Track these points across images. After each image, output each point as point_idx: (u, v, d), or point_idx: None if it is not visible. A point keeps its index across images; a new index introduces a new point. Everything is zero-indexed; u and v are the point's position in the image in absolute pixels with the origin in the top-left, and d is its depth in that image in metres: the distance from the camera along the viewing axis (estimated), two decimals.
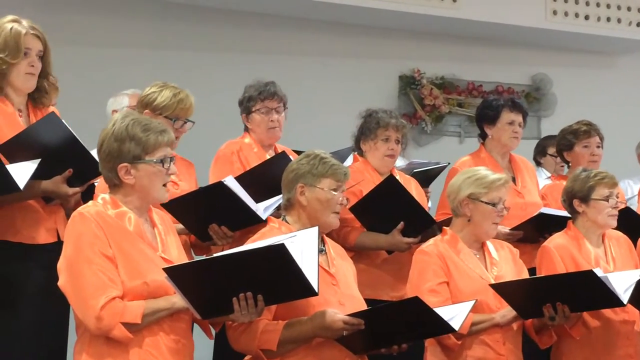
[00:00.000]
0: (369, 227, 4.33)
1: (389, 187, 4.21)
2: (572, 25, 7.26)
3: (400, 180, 4.47)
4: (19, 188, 3.24)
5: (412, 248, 4.22)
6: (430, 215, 4.38)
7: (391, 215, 4.25)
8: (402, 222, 4.24)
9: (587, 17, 7.30)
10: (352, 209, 4.22)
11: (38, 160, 3.33)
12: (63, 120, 3.46)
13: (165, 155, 3.00)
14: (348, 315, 3.20)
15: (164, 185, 3.03)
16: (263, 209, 3.87)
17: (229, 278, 2.90)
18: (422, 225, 4.27)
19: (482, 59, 7.39)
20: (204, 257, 3.44)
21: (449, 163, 5.12)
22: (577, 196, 4.07)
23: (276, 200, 3.90)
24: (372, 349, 3.36)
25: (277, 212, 3.74)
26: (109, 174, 3.00)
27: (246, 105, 4.37)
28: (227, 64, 6.41)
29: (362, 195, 4.29)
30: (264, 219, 3.83)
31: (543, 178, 5.61)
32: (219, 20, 6.52)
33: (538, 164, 6.02)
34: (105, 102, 5.12)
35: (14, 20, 3.54)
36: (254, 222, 3.85)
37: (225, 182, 3.73)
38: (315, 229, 3.21)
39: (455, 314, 3.38)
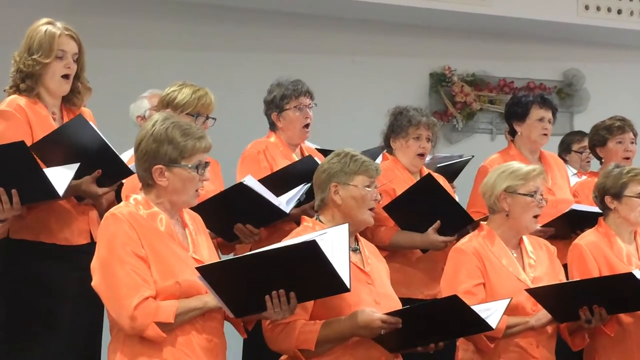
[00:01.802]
0: (403, 226, 4.30)
1: (428, 186, 4.19)
2: (604, 20, 7.19)
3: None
4: (59, 195, 3.27)
5: (447, 246, 4.21)
6: (468, 214, 4.35)
7: (427, 214, 4.23)
8: (438, 221, 4.23)
9: (619, 12, 7.24)
10: (386, 208, 4.21)
11: (76, 165, 3.36)
12: (90, 122, 3.49)
13: (201, 162, 3.02)
14: (385, 314, 3.20)
15: (196, 190, 3.06)
16: (285, 201, 3.88)
17: (261, 276, 2.91)
18: (459, 224, 4.24)
19: (513, 56, 7.34)
20: (235, 256, 3.46)
21: (472, 156, 5.10)
22: (610, 192, 4.02)
23: (297, 192, 3.92)
24: (408, 348, 3.36)
25: (311, 212, 3.74)
26: (144, 174, 3.02)
27: (278, 104, 4.36)
28: (256, 64, 6.42)
29: (395, 194, 4.28)
30: (287, 212, 3.85)
31: (569, 175, 5.56)
32: (246, 20, 6.54)
33: (563, 161, 5.97)
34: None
35: (48, 23, 3.58)
36: (279, 217, 3.89)
37: (245, 182, 3.76)
38: (346, 226, 3.22)
39: (490, 313, 3.36)
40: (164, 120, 3.03)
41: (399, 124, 4.48)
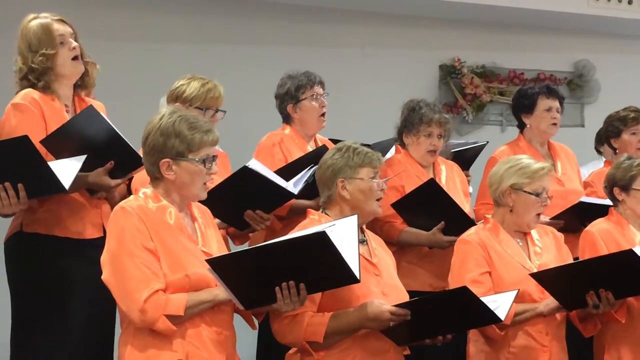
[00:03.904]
0: (410, 223, 4.35)
1: (430, 190, 4.22)
2: (614, 10, 7.16)
3: (443, 170, 4.49)
4: (64, 189, 3.28)
5: (452, 245, 4.22)
6: (471, 217, 4.37)
7: (431, 215, 4.27)
8: (442, 222, 4.25)
9: (630, 2, 7.19)
10: (394, 205, 4.25)
11: (83, 157, 3.37)
12: (101, 113, 3.50)
13: (208, 155, 3.03)
14: (394, 305, 3.21)
15: (204, 183, 3.06)
16: (292, 183, 3.89)
17: (270, 268, 2.92)
18: (463, 226, 4.25)
19: (523, 47, 7.32)
20: (245, 248, 3.48)
21: (487, 142, 5.10)
22: (618, 184, 4.01)
23: (303, 174, 3.91)
24: (416, 340, 3.36)
25: (317, 205, 3.75)
26: (151, 168, 3.03)
27: (294, 94, 4.38)
28: (265, 56, 6.42)
29: (404, 191, 4.33)
30: (295, 193, 3.86)
31: (600, 166, 5.53)
32: (255, 13, 6.52)
33: (599, 152, 5.94)
34: (146, 96, 5.14)
35: (35, 17, 3.59)
36: (287, 199, 3.90)
37: (249, 166, 3.76)
38: (354, 217, 3.22)
39: (498, 304, 3.36)
40: (171, 113, 3.03)
41: (410, 121, 4.51)
